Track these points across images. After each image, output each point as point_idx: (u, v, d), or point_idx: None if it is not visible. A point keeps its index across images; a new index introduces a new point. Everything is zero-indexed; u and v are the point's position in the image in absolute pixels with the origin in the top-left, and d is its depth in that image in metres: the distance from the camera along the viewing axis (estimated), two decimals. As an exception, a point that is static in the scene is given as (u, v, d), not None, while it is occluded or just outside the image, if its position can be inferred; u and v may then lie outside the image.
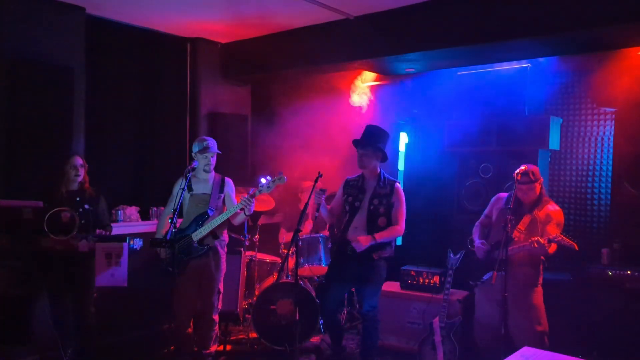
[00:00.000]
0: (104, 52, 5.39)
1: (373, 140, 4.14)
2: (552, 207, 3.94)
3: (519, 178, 3.89)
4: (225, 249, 4.39)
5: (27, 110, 4.51)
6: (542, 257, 3.95)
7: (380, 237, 4.02)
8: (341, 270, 4.24)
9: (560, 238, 3.68)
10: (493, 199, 4.23)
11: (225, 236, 4.37)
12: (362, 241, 3.97)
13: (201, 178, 4.31)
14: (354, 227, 4.14)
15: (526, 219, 3.91)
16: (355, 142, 4.20)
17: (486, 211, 4.26)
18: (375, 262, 4.10)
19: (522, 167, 3.92)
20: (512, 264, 3.87)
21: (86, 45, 4.93)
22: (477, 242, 4.13)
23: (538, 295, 3.96)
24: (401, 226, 4.11)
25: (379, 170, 4.23)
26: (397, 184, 4.20)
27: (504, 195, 4.16)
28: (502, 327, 3.78)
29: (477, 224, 4.29)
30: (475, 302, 4.26)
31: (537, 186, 3.91)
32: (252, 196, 4.00)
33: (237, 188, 4.53)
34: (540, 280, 3.98)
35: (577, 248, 3.68)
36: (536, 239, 3.73)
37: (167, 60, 5.99)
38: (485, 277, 4.07)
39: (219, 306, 4.35)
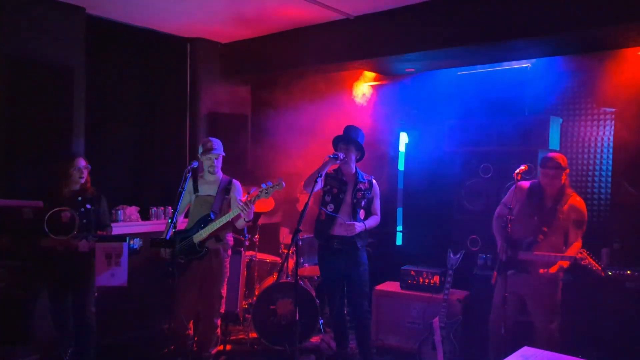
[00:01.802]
0: (104, 52, 5.40)
1: (355, 137, 4.35)
2: (575, 200, 3.88)
3: (519, 178, 3.90)
4: (230, 252, 4.38)
5: (27, 110, 4.51)
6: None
7: (369, 224, 4.37)
8: (334, 266, 4.36)
9: (587, 262, 3.63)
10: (513, 188, 4.02)
11: (229, 239, 4.35)
12: (357, 227, 4.24)
13: (207, 180, 4.31)
14: (339, 223, 4.29)
15: (549, 217, 3.85)
16: (339, 138, 4.37)
17: (506, 200, 4.11)
18: (361, 251, 4.32)
19: (523, 167, 3.94)
20: (536, 267, 3.85)
21: (86, 45, 4.93)
22: (499, 247, 3.99)
23: (559, 291, 3.96)
24: (379, 216, 4.49)
25: (355, 169, 4.41)
26: (374, 179, 4.48)
27: (526, 184, 4.04)
28: (502, 327, 3.79)
29: (496, 216, 4.15)
30: (495, 287, 4.08)
31: (564, 176, 3.86)
32: (250, 202, 4.04)
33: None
34: (562, 275, 3.96)
35: (603, 275, 3.68)
36: (558, 267, 3.72)
37: (167, 60, 5.99)
38: (508, 272, 3.93)
39: (221, 310, 4.34)
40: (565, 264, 3.74)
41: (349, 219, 4.28)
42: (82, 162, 4.10)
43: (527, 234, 3.93)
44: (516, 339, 3.80)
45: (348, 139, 4.34)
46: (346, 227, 4.23)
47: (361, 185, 4.34)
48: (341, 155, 4.24)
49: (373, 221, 4.41)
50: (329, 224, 4.32)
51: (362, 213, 4.34)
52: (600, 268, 3.65)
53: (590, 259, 3.65)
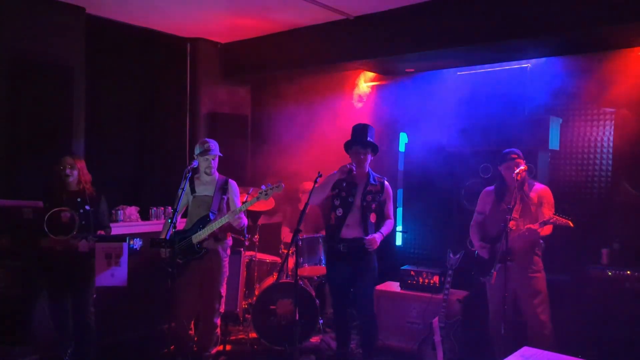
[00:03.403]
0: (104, 52, 5.40)
1: (372, 140, 4.24)
2: (540, 186, 4.12)
3: (518, 178, 3.92)
4: (228, 252, 4.39)
5: (27, 110, 4.51)
6: (540, 241, 4.07)
7: (385, 231, 4.23)
8: (342, 270, 4.28)
9: (554, 219, 3.79)
10: (482, 194, 4.35)
11: (228, 239, 4.37)
12: (378, 239, 4.12)
13: (204, 180, 4.31)
14: (347, 224, 4.20)
15: (518, 206, 4.02)
16: (353, 142, 4.22)
17: (479, 209, 4.35)
18: (370, 254, 4.22)
19: (522, 167, 3.96)
20: (515, 254, 3.97)
21: (86, 45, 4.93)
22: (477, 244, 4.23)
23: (543, 282, 4.06)
24: (393, 219, 4.38)
25: (367, 169, 4.29)
26: (386, 181, 4.33)
27: (490, 188, 4.32)
28: (502, 327, 3.79)
29: (473, 225, 4.36)
30: (488, 295, 4.23)
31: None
32: (240, 210, 4.12)
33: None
34: (542, 266, 4.09)
35: (572, 225, 3.76)
36: (527, 227, 3.89)
37: (167, 60, 5.99)
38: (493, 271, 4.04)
39: (221, 310, 4.34)
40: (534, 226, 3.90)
41: (358, 224, 4.16)
42: (69, 161, 4.05)
43: (501, 228, 3.97)
44: (517, 339, 3.81)
45: (365, 142, 4.18)
46: (368, 243, 4.07)
47: (371, 188, 4.21)
48: (354, 168, 4.09)
49: (388, 227, 4.26)
50: (338, 226, 4.22)
51: (372, 217, 4.19)
52: (568, 221, 3.74)
53: (558, 217, 3.79)
